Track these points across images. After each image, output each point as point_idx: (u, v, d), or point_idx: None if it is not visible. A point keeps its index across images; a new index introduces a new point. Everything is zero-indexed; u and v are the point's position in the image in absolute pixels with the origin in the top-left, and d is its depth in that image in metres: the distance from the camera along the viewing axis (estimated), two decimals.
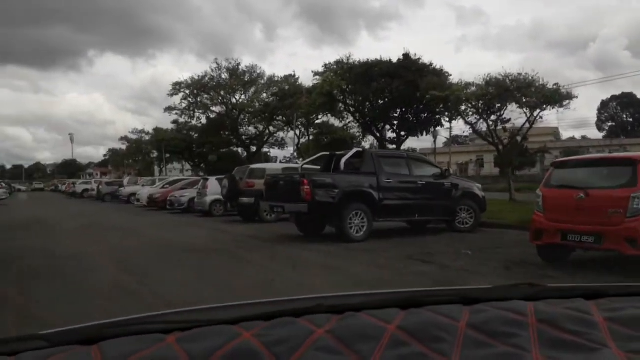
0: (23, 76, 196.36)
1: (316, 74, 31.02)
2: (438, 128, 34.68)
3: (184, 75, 55.61)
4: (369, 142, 37.17)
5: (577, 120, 74.51)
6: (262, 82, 42.82)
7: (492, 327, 0.73)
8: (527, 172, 45.35)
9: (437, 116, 32.88)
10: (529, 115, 24.42)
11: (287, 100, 37.58)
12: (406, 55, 28.70)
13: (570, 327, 0.74)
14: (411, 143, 29.96)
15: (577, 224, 5.74)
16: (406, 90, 27.98)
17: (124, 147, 63.07)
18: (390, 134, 33.27)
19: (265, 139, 46.27)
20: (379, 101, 31.90)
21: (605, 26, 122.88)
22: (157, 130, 51.33)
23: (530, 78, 24.59)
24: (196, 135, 47.05)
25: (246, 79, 42.35)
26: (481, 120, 27.88)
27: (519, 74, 25.22)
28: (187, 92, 42.28)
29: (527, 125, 24.53)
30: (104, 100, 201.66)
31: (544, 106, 24.25)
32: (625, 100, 61.47)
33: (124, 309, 3.97)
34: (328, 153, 10.60)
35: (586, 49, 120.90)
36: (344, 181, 8.81)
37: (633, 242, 5.25)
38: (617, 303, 0.85)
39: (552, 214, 6.13)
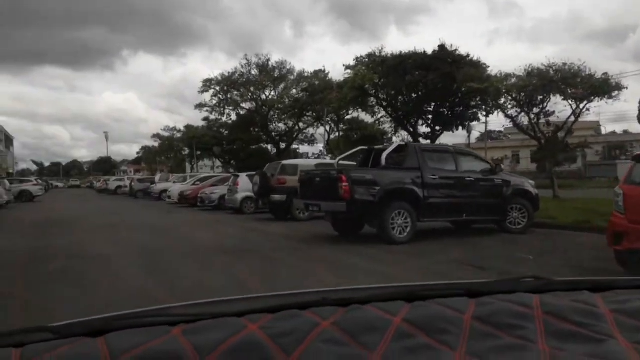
0: (60, 76, 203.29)
1: (347, 67, 30.16)
2: (474, 122, 33.41)
3: (214, 72, 55.88)
4: (401, 137, 36.11)
5: (616, 114, 70.88)
6: (292, 77, 42.37)
7: (498, 319, 0.73)
8: (568, 168, 43.50)
9: (474, 110, 31.64)
10: (574, 107, 23.03)
11: (317, 95, 36.94)
12: (442, 47, 27.56)
13: (576, 318, 0.73)
14: (444, 138, 28.69)
15: None
16: (442, 82, 26.89)
17: (156, 144, 64.04)
18: (424, 129, 32.22)
19: (294, 135, 45.87)
20: (412, 95, 30.87)
21: None
22: (188, 127, 51.67)
23: (576, 68, 23.13)
24: (226, 132, 47.06)
25: (276, 75, 41.95)
26: (522, 114, 26.57)
27: (564, 64, 23.79)
28: (218, 88, 42.23)
29: (573, 118, 23.19)
30: (137, 98, 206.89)
31: (592, 97, 22.82)
32: None
33: None
34: (366, 147, 9.88)
35: (625, 40, 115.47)
36: (385, 178, 8.07)
37: None
38: (623, 295, 0.83)
39: (636, 215, 5.27)
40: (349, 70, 30.33)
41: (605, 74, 21.64)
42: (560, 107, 24.75)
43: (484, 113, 32.63)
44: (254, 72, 42.00)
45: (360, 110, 34.81)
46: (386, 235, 7.94)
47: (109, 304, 4.27)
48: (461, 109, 30.99)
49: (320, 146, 49.81)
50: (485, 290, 0.87)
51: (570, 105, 22.36)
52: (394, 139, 37.08)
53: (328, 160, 17.35)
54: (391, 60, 28.01)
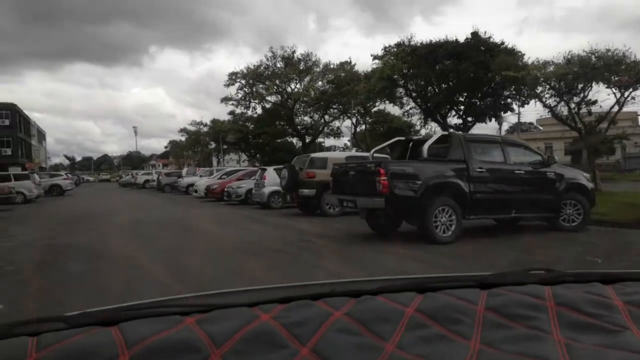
0: (91, 73, 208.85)
1: (375, 57, 29.25)
2: (508, 113, 32.08)
3: (239, 66, 55.47)
4: (430, 129, 34.96)
5: None
6: (317, 70, 41.66)
7: (511, 309, 0.73)
8: (605, 160, 41.70)
9: (508, 100, 30.34)
10: (618, 96, 21.70)
11: (344, 87, 36.13)
12: (475, 34, 26.34)
13: (589, 310, 0.73)
14: (474, 130, 27.36)
15: None
16: (475, 71, 25.73)
17: (183, 139, 64.44)
18: (455, 120, 31.06)
19: (320, 129, 45.23)
20: (443, 85, 29.77)
21: None
22: (214, 121, 51.65)
23: (620, 54, 21.75)
24: (252, 125, 46.80)
25: (301, 67, 41.30)
26: (562, 103, 25.25)
27: (607, 50, 22.38)
28: (243, 82, 41.85)
29: (616, 107, 21.91)
30: (164, 94, 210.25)
31: (638, 85, 21.43)
32: None
33: None
34: (403, 138, 9.13)
35: None
36: (427, 171, 7.31)
37: None
38: (634, 287, 0.83)
39: None
40: (377, 61, 29.40)
41: None
42: (602, 96, 23.18)
43: (519, 103, 31.28)
44: (280, 64, 41.48)
45: (387, 102, 33.86)
46: (429, 234, 7.23)
47: None
48: (494, 99, 29.75)
49: (345, 139, 49.10)
50: (496, 281, 0.86)
51: (614, 93, 20.98)
52: (423, 131, 35.97)
53: (358, 153, 16.65)
54: (421, 49, 26.93)
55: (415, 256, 6.42)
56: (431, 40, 27.67)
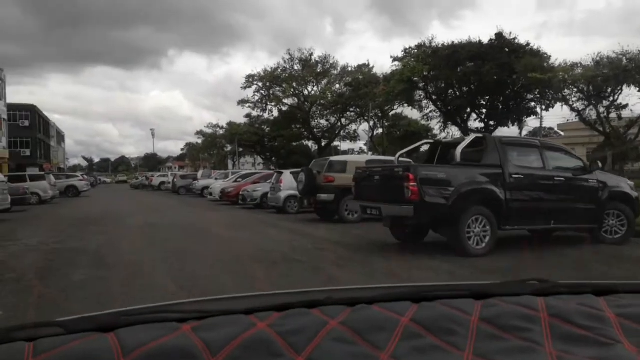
0: (112, 76, 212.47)
1: (395, 59, 28.64)
2: (531, 117, 31.12)
3: (257, 69, 54.99)
4: (450, 133, 34.09)
5: None
6: (335, 72, 41.18)
7: (504, 321, 0.73)
8: (630, 167, 40.42)
9: (532, 103, 29.41)
10: None
11: (361, 90, 35.53)
12: (499, 35, 25.53)
13: (582, 322, 0.73)
14: (495, 134, 26.31)
15: None
16: (498, 73, 24.92)
17: (199, 141, 64.48)
18: (476, 124, 30.22)
19: (337, 132, 44.69)
20: (464, 88, 28.99)
21: None
22: (230, 124, 51.45)
23: None
24: (268, 128, 46.46)
25: (318, 70, 40.84)
26: (590, 107, 24.28)
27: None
28: (260, 84, 41.56)
29: None
30: (182, 97, 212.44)
31: None
32: None
33: None
34: (431, 141, 8.50)
35: None
36: (460, 176, 6.67)
37: None
38: (627, 300, 0.83)
39: None
40: (396, 63, 28.79)
41: None
42: (634, 100, 22.29)
43: (542, 107, 30.32)
44: (297, 67, 41.10)
45: (406, 105, 33.16)
46: (461, 245, 6.59)
47: None
48: (517, 102, 28.86)
49: (361, 143, 48.40)
50: (491, 292, 0.86)
51: None
52: (442, 135, 35.07)
53: (379, 156, 16.03)
54: (443, 51, 26.22)
55: (448, 270, 5.80)
56: (453, 42, 26.98)
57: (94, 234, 9.91)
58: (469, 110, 31.76)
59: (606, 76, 22.51)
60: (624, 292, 0.89)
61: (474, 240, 6.67)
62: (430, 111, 32.16)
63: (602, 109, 25.54)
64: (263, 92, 42.28)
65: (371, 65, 39.32)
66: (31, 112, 46.86)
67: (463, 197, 6.60)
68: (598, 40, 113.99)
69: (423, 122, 36.55)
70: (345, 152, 49.09)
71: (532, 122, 42.55)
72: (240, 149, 51.07)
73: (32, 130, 46.49)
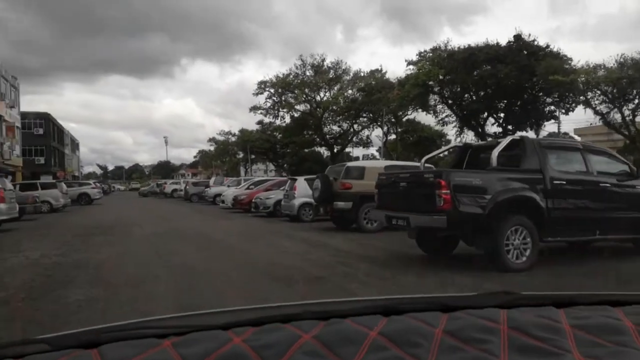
0: (125, 85, 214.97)
1: (409, 63, 27.99)
2: (551, 121, 30.20)
3: (268, 76, 54.61)
4: (466, 139, 33.25)
5: None
6: (347, 78, 40.62)
7: (467, 333, 0.75)
8: None
9: (551, 106, 28.51)
10: None
11: (374, 95, 34.92)
12: (517, 37, 24.75)
13: (538, 333, 0.75)
14: None
15: None
16: (517, 76, 24.14)
17: (212, 148, 64.31)
18: (494, 129, 29.41)
19: (349, 138, 44.09)
20: (481, 92, 28.22)
21: None
22: (242, 131, 51.14)
23: None
24: (280, 135, 46.02)
25: (330, 76, 40.34)
26: (615, 110, 23.37)
27: None
28: (272, 90, 41.16)
29: None
30: (194, 104, 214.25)
31: None
32: None
33: None
34: (460, 144, 7.87)
35: None
36: (497, 183, 6.02)
37: None
38: (585, 311, 0.86)
39: None
40: (411, 66, 28.16)
41: None
42: None
43: (562, 110, 29.40)
44: (309, 72, 40.63)
45: (420, 109, 32.46)
46: (499, 259, 5.93)
47: None
48: (535, 105, 28.01)
49: (373, 149, 47.66)
50: (459, 304, 0.88)
51: None
52: (456, 140, 34.24)
53: (398, 162, 15.38)
54: (460, 54, 25.50)
55: (488, 289, 5.14)
56: (469, 44, 26.28)
57: (100, 245, 9.42)
58: (485, 114, 30.95)
59: (631, 78, 21.56)
60: (584, 303, 0.91)
61: (513, 253, 6.01)
62: (446, 116, 31.39)
63: (627, 112, 24.49)
64: (275, 98, 41.88)
65: (384, 71, 38.75)
66: (45, 120, 47.03)
67: (501, 205, 5.95)
68: (611, 45, 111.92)
69: (437, 128, 35.82)
70: (357, 158, 48.44)
71: (548, 127, 41.54)
72: (252, 156, 50.70)
73: (47, 138, 46.63)
